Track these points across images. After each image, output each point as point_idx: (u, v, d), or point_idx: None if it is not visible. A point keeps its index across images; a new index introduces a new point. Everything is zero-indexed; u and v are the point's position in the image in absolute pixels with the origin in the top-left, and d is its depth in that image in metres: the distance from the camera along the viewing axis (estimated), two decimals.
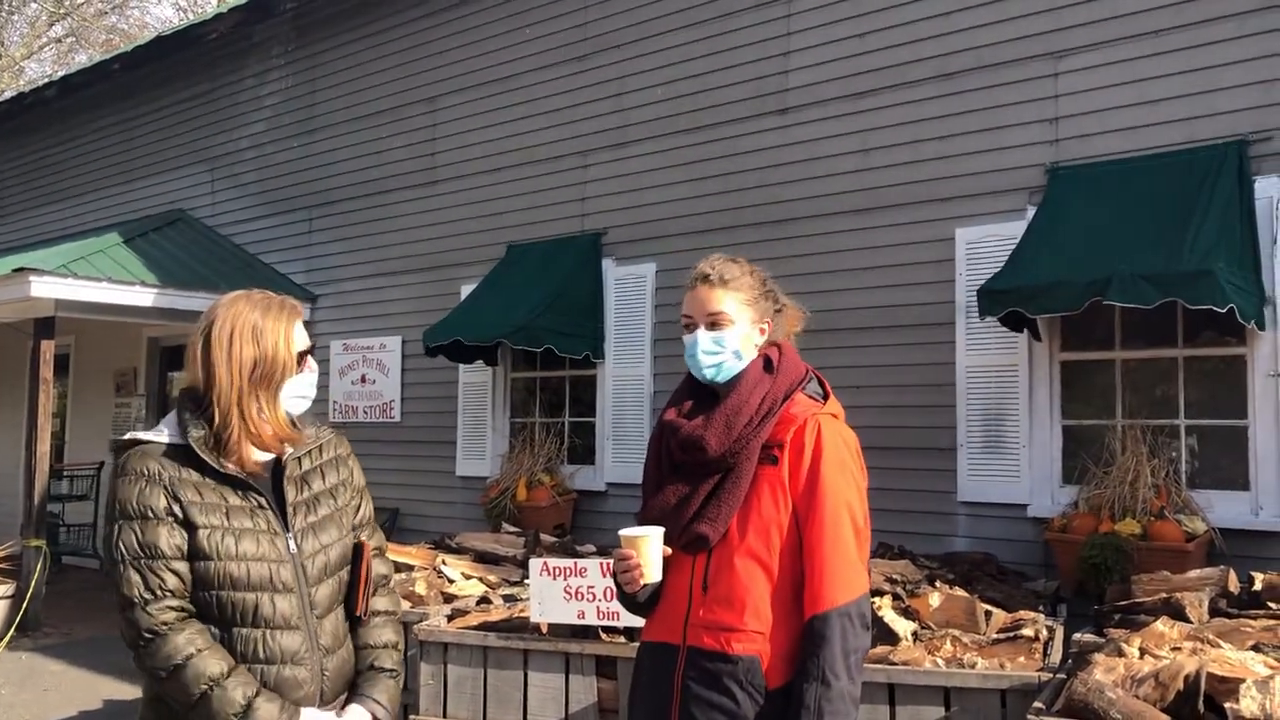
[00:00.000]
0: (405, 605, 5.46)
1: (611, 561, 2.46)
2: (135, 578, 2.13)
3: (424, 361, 8.85)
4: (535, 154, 8.64)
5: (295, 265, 10.45)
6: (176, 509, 2.16)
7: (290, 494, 2.29)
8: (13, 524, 9.86)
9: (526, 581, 5.23)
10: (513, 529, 7.28)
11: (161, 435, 2.25)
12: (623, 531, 2.39)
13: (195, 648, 2.11)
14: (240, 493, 2.23)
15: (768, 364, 2.45)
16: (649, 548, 2.35)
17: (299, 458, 2.35)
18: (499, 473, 8.35)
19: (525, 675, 4.63)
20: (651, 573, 2.36)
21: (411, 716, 4.89)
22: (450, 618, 5.16)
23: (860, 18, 6.98)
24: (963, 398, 6.36)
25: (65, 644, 8.40)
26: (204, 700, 2.09)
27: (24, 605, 8.19)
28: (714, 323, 2.42)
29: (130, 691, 6.73)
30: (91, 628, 8.79)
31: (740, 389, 2.39)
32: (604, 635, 4.56)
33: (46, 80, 14.31)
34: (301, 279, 10.31)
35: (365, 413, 9.66)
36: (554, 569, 4.59)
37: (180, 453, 2.21)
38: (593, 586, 4.47)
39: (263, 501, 2.25)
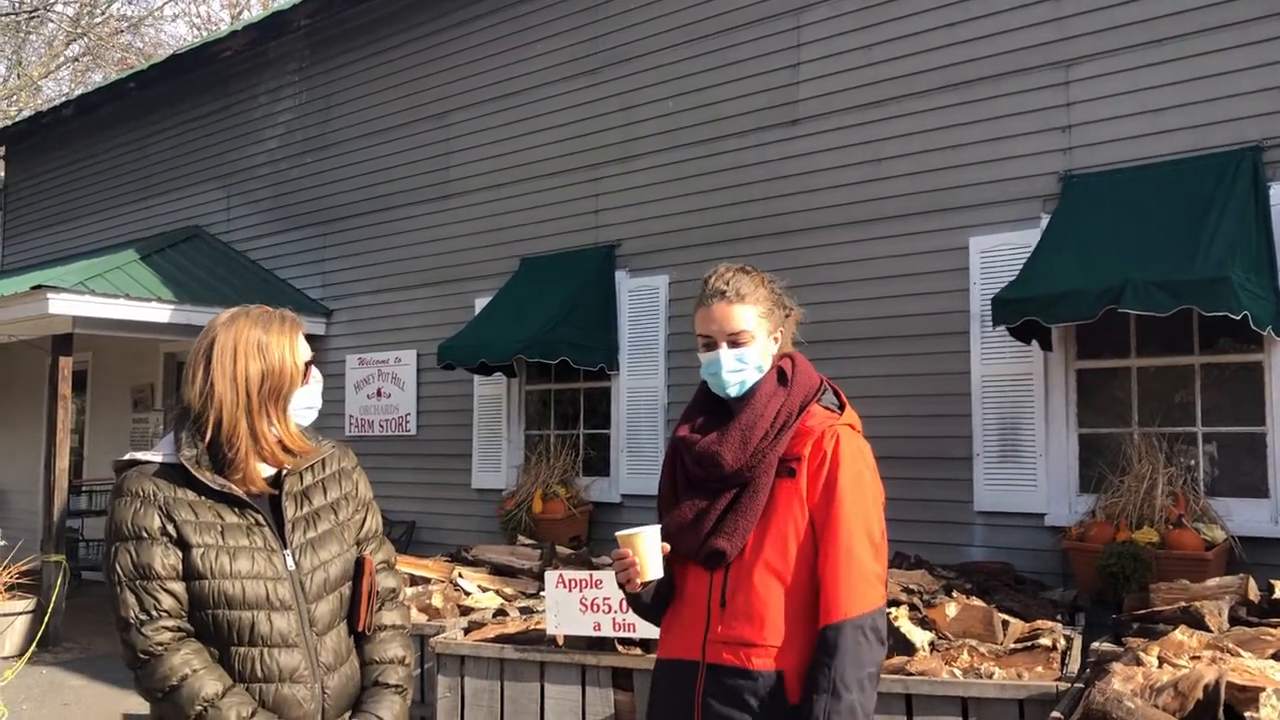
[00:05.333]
0: (422, 618, 5.47)
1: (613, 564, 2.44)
2: (131, 599, 2.11)
3: (439, 375, 8.88)
4: (547, 167, 8.68)
5: (310, 280, 10.51)
6: (171, 529, 2.14)
7: (289, 510, 2.26)
8: (33, 539, 9.92)
9: (543, 594, 5.24)
10: (529, 541, 7.30)
11: (158, 455, 2.23)
12: (619, 532, 2.38)
13: (191, 668, 2.09)
14: (237, 510, 2.20)
15: (781, 376, 2.42)
16: (644, 544, 2.33)
17: (299, 473, 2.32)
18: (514, 485, 8.37)
19: (542, 687, 4.64)
20: (649, 570, 2.33)
21: None
22: (467, 630, 5.18)
23: (868, 29, 6.99)
24: (978, 407, 6.34)
25: (85, 659, 8.45)
26: None
27: (45, 620, 8.23)
28: (735, 340, 2.38)
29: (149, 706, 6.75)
30: (111, 643, 8.83)
31: (755, 403, 2.37)
32: (620, 647, 4.56)
33: (64, 99, 14.45)
34: (317, 294, 10.37)
35: (381, 426, 9.69)
36: (570, 581, 4.60)
37: (177, 472, 2.19)
38: (609, 598, 4.48)
39: (260, 519, 2.22)
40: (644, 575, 2.33)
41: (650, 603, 2.45)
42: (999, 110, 6.45)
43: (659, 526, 2.38)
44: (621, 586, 2.43)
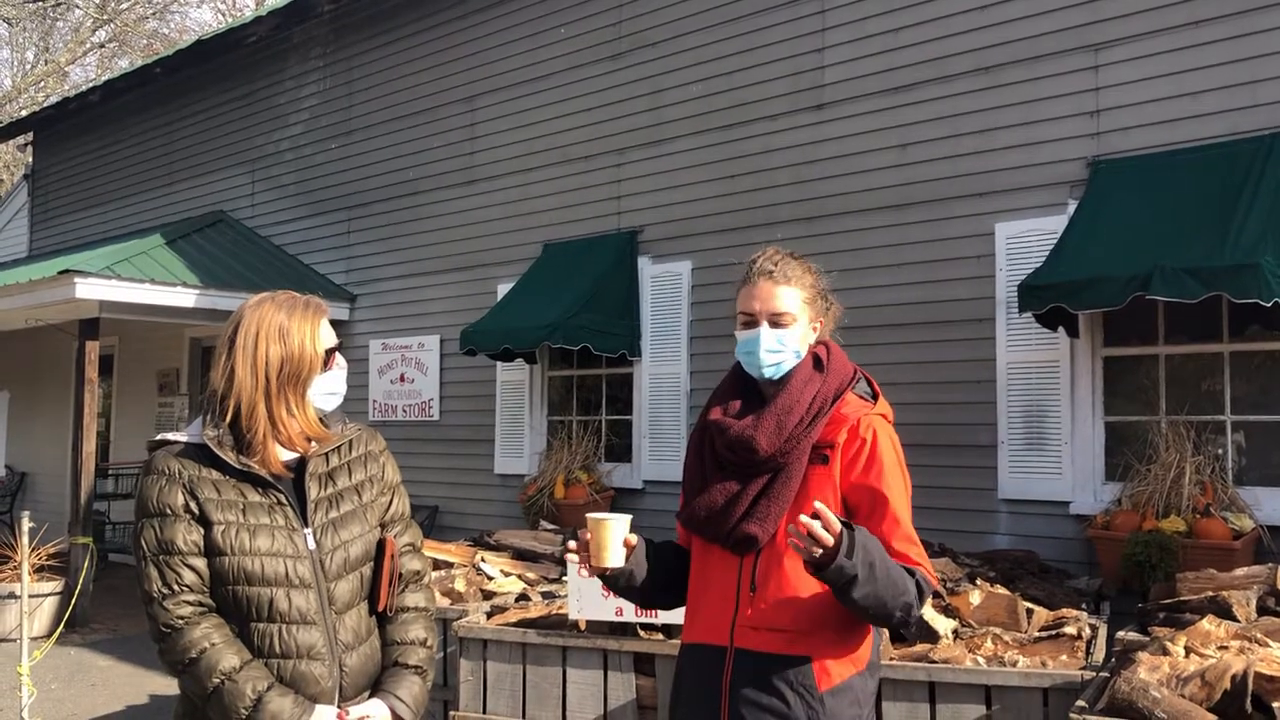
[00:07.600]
0: (445, 602, 5.49)
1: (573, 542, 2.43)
2: (154, 573, 2.18)
3: (462, 360, 8.90)
4: (571, 152, 8.66)
5: (334, 265, 10.55)
6: (194, 506, 2.19)
7: (312, 490, 2.29)
8: (61, 522, 10.03)
9: (565, 579, 5.25)
10: (551, 526, 7.31)
11: (185, 435, 2.29)
12: (590, 515, 2.38)
13: (210, 642, 2.14)
14: (260, 489, 2.25)
15: (817, 362, 2.41)
16: (609, 533, 2.32)
17: (325, 454, 2.35)
18: (537, 470, 8.38)
19: (564, 672, 4.65)
20: (607, 558, 2.32)
21: (452, 713, 4.92)
22: (489, 615, 5.19)
23: (895, 12, 6.93)
24: (1004, 394, 6.30)
25: (112, 640, 8.55)
26: (217, 693, 2.12)
27: (72, 602, 8.33)
28: (777, 321, 2.37)
29: (175, 687, 6.83)
30: (138, 624, 8.92)
31: (791, 388, 2.36)
32: (642, 632, 4.57)
33: (90, 85, 14.54)
34: (341, 279, 10.40)
35: (404, 411, 9.73)
36: None
37: (202, 451, 2.24)
38: None
39: (282, 498, 2.25)
40: (600, 562, 2.33)
41: (639, 586, 2.44)
42: (1028, 95, 6.38)
43: (629, 517, 2.38)
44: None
